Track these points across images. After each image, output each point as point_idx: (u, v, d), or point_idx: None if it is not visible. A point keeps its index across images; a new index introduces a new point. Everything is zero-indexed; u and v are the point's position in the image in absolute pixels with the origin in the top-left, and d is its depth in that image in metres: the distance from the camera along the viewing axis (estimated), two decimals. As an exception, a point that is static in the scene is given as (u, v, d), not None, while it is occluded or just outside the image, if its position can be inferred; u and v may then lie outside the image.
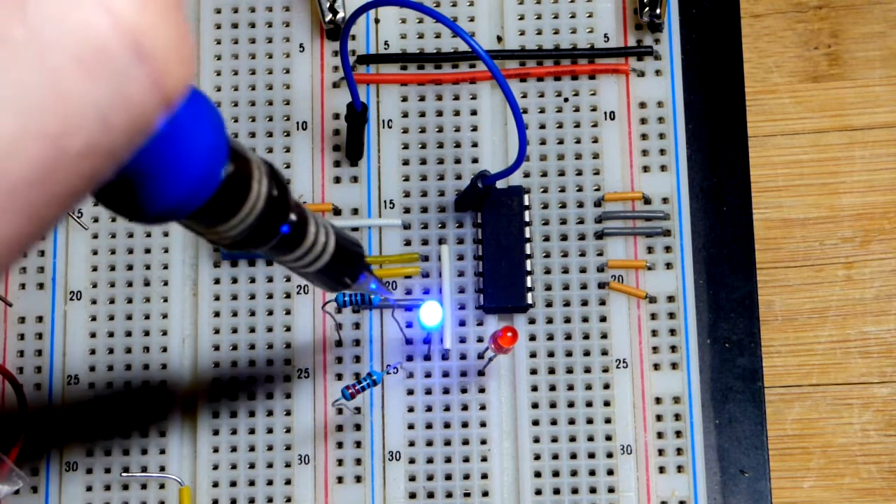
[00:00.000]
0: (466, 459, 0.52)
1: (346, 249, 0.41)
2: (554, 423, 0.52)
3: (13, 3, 0.21)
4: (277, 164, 0.55)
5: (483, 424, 0.52)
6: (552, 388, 0.53)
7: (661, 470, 0.52)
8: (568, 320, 0.53)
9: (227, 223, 0.34)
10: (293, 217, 0.37)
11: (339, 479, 0.52)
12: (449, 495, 0.52)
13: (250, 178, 0.34)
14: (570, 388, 0.53)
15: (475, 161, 0.55)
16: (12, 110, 0.21)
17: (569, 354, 0.53)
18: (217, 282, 0.54)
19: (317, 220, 0.39)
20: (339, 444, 0.52)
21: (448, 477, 0.52)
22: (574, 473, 0.52)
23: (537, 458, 0.52)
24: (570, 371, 0.53)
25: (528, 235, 0.53)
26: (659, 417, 0.52)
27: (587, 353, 0.53)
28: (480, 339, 0.53)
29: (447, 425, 0.52)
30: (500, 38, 0.56)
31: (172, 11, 0.24)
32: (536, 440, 0.52)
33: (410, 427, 0.52)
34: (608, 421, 0.52)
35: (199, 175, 0.31)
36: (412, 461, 0.52)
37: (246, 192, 0.34)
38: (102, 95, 0.23)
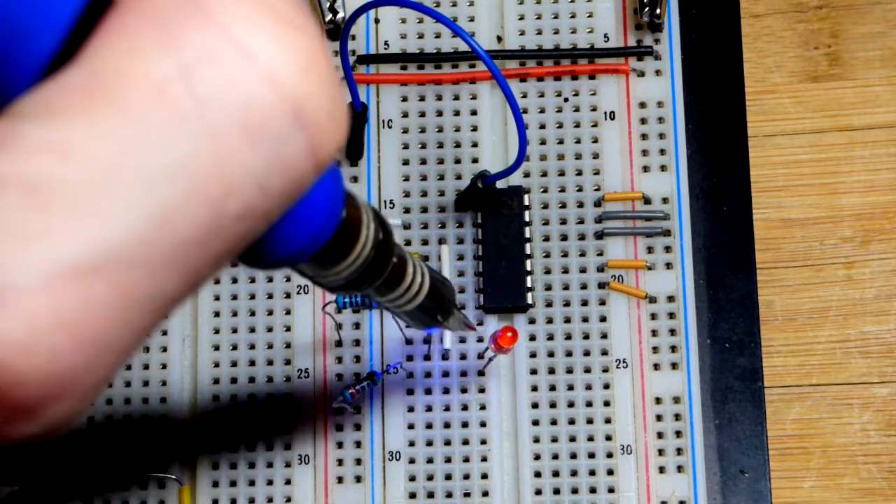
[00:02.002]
0: (466, 459, 0.52)
1: (438, 288, 0.42)
2: (554, 423, 0.52)
3: (181, 72, 0.22)
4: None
5: (483, 424, 0.52)
6: (552, 388, 0.53)
7: (661, 470, 0.52)
8: (568, 320, 0.53)
9: (337, 267, 0.35)
10: (395, 259, 0.38)
11: (339, 479, 0.52)
12: (449, 495, 0.52)
13: (360, 223, 0.35)
14: (570, 388, 0.53)
15: (475, 161, 0.55)
16: (177, 179, 0.22)
17: (569, 354, 0.53)
18: (217, 282, 0.54)
19: (413, 261, 0.41)
20: (339, 444, 0.52)
21: (448, 477, 0.52)
22: (574, 473, 0.52)
23: (537, 458, 0.52)
24: (570, 371, 0.53)
25: (528, 235, 0.53)
26: (659, 417, 0.52)
27: (587, 353, 0.53)
28: (480, 340, 0.53)
29: (447, 425, 0.52)
30: (500, 38, 0.56)
31: (330, 77, 0.24)
32: (536, 440, 0.52)
33: (410, 427, 0.52)
34: (608, 421, 0.52)
35: (320, 224, 0.31)
36: (412, 461, 0.52)
37: (356, 237, 0.35)
38: (261, 161, 0.23)
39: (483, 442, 0.52)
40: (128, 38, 0.22)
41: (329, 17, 0.55)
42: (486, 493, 0.52)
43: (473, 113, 0.55)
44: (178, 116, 0.22)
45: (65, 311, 0.21)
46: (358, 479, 0.52)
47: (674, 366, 0.53)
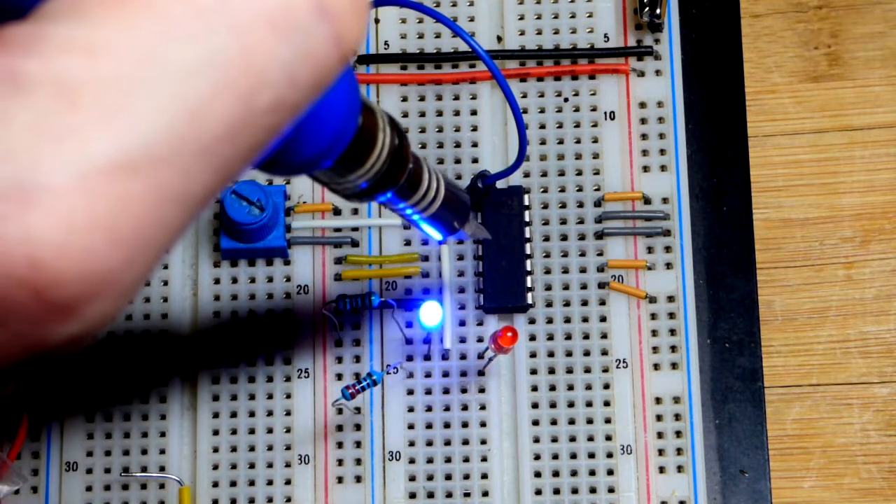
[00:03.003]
0: (466, 459, 0.52)
1: (454, 195, 0.43)
2: (554, 423, 0.52)
3: None
4: (277, 164, 0.55)
5: (483, 424, 0.52)
6: (552, 388, 0.53)
7: (661, 470, 0.52)
8: (568, 320, 0.53)
9: (356, 173, 0.35)
10: (411, 166, 0.38)
11: (339, 479, 0.52)
12: (449, 495, 0.52)
13: (376, 128, 0.35)
14: (570, 388, 0.53)
15: (475, 161, 0.55)
16: (206, 74, 0.23)
17: (569, 354, 0.53)
18: (217, 282, 0.54)
19: (429, 167, 0.41)
20: (339, 444, 0.52)
21: (448, 477, 0.52)
22: (574, 473, 0.52)
23: (537, 458, 0.52)
24: (570, 371, 0.53)
25: (528, 235, 0.53)
26: (659, 417, 0.52)
27: (587, 353, 0.53)
28: (480, 339, 0.53)
29: (447, 425, 0.52)
30: (500, 38, 0.56)
31: None
32: (536, 440, 0.52)
33: (410, 427, 0.52)
34: (608, 421, 0.52)
35: (339, 126, 0.32)
36: (412, 461, 0.52)
37: (373, 142, 0.35)
38: (288, 54, 0.24)
39: (483, 442, 0.52)
40: None
41: (329, 17, 0.55)
42: (486, 493, 0.52)
43: (473, 113, 0.55)
44: (204, 11, 0.23)
45: (100, 210, 0.22)
46: (358, 479, 0.52)
47: (674, 366, 0.53)
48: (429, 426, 0.52)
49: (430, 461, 0.52)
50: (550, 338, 0.53)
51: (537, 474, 0.52)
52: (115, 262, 0.22)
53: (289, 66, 0.24)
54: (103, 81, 0.22)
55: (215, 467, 0.52)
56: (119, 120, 0.22)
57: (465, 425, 0.52)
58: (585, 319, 0.53)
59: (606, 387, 0.52)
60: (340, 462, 0.52)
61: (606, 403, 0.52)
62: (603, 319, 0.53)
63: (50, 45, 0.22)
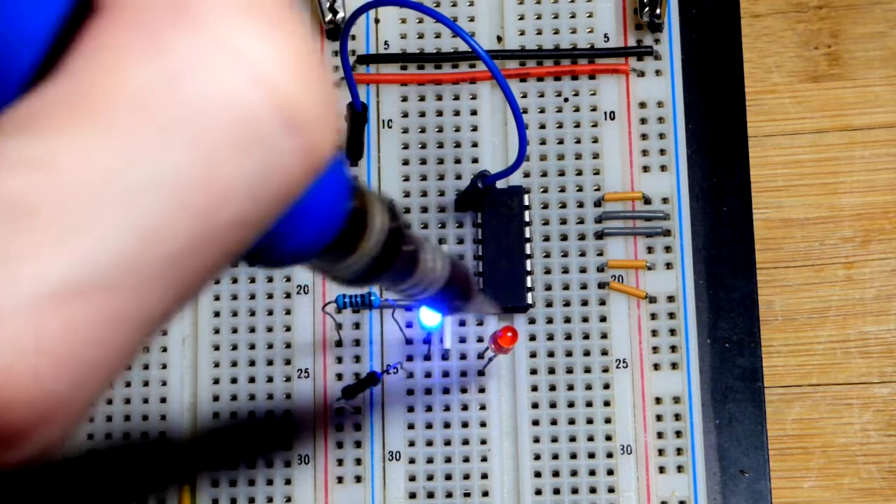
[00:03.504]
0: (466, 459, 0.52)
1: (458, 274, 0.42)
2: (554, 423, 0.52)
3: (166, 80, 0.22)
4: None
5: (483, 424, 0.52)
6: (552, 388, 0.53)
7: (661, 470, 0.52)
8: (568, 320, 0.53)
9: (347, 261, 0.34)
10: (410, 247, 0.37)
11: (339, 479, 0.52)
12: (449, 495, 0.52)
13: (367, 215, 0.34)
14: (570, 388, 0.53)
15: (475, 161, 0.55)
16: (164, 192, 0.22)
17: (569, 354, 0.53)
18: (217, 282, 0.54)
19: (430, 248, 0.40)
20: (339, 444, 0.52)
21: (448, 477, 0.52)
22: (574, 473, 0.52)
23: (537, 458, 0.52)
24: (570, 371, 0.53)
25: (528, 235, 0.53)
26: (659, 417, 0.52)
27: (587, 353, 0.53)
28: (480, 339, 0.53)
29: (447, 425, 0.52)
30: (500, 38, 0.56)
31: (321, 78, 0.23)
32: (536, 440, 0.52)
33: (410, 427, 0.52)
34: (608, 421, 0.52)
35: (324, 222, 0.31)
36: (412, 461, 0.52)
37: (364, 229, 0.34)
38: (252, 169, 0.23)
39: (483, 442, 0.52)
40: (110, 47, 0.22)
41: (329, 17, 0.55)
42: (486, 493, 0.52)
43: (473, 113, 0.55)
44: (165, 126, 0.22)
45: (50, 336, 0.21)
46: (358, 479, 0.52)
47: (674, 366, 0.53)
48: (429, 426, 0.52)
49: (430, 461, 0.52)
50: (550, 338, 0.53)
51: (537, 474, 0.52)
52: (64, 388, 0.21)
53: (252, 182, 0.23)
54: (57, 201, 0.21)
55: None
56: (72, 242, 0.21)
57: (465, 425, 0.52)
58: (585, 319, 0.53)
59: (606, 387, 0.52)
60: (340, 462, 0.52)
61: (606, 403, 0.52)
62: (603, 319, 0.53)
63: (3, 162, 0.21)
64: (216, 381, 0.53)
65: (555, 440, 0.52)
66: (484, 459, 0.52)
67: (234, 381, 0.53)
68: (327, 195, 0.31)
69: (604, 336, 0.53)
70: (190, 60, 0.22)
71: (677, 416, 0.52)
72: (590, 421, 0.52)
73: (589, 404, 0.52)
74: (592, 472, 0.52)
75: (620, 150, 0.55)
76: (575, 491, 0.52)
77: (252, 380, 0.53)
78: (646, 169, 0.55)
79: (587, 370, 0.53)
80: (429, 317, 0.50)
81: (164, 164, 0.22)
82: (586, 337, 0.53)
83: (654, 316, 0.53)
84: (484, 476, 0.52)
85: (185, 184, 0.22)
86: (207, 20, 0.22)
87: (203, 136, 0.22)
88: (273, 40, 0.22)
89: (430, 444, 0.52)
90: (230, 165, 0.22)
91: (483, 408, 0.53)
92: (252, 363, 0.53)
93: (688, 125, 0.55)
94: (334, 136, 0.24)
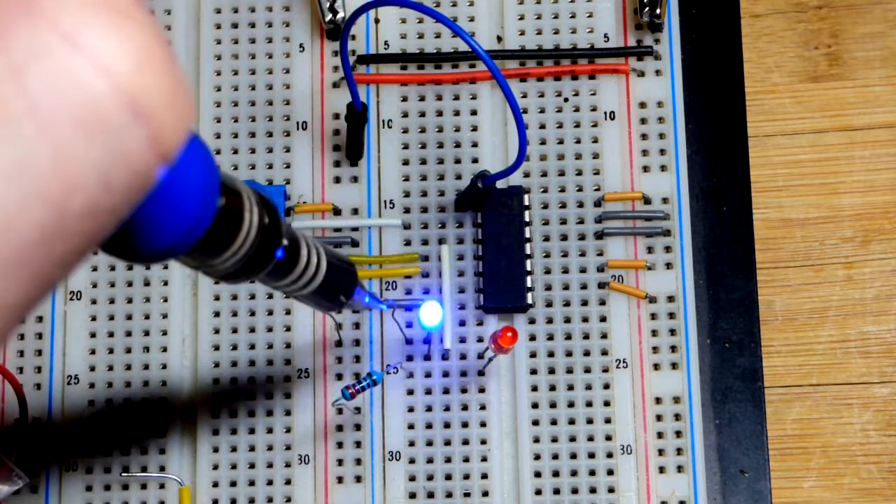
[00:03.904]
0: (466, 459, 0.52)
1: (338, 268, 0.42)
2: (554, 423, 0.52)
3: (10, 71, 0.22)
4: (277, 163, 0.55)
5: (483, 424, 0.52)
6: (552, 388, 0.53)
7: (661, 470, 0.52)
8: (568, 320, 0.53)
9: (222, 256, 0.35)
10: (285, 242, 0.37)
11: (339, 479, 0.52)
12: (449, 495, 0.52)
13: (241, 210, 0.34)
14: (570, 388, 0.53)
15: (475, 161, 0.55)
16: (15, 179, 0.22)
17: (569, 354, 0.53)
18: (217, 282, 0.54)
19: (308, 241, 0.40)
20: (339, 444, 0.52)
21: (448, 477, 0.52)
22: (574, 473, 0.52)
23: (537, 458, 0.52)
24: (570, 371, 0.53)
25: (528, 235, 0.53)
26: (659, 417, 0.52)
27: (587, 353, 0.53)
28: (480, 339, 0.53)
29: (447, 425, 0.52)
30: (500, 38, 0.56)
31: (169, 67, 0.24)
32: (536, 440, 0.52)
33: (410, 427, 0.52)
34: (608, 421, 0.52)
35: (193, 215, 0.31)
36: (412, 461, 0.52)
37: (238, 225, 0.34)
38: (101, 157, 0.23)
39: (483, 442, 0.52)
40: None
41: (329, 17, 0.55)
42: (486, 493, 0.52)
43: (473, 113, 0.55)
44: (11, 117, 0.22)
45: None
46: (358, 479, 0.52)
47: (674, 366, 0.53)
48: (429, 426, 0.52)
49: (430, 461, 0.52)
50: (550, 338, 0.53)
51: (537, 474, 0.52)
52: None
53: (102, 170, 0.23)
54: None
55: (215, 467, 0.52)
56: None
57: (465, 425, 0.52)
58: (585, 319, 0.53)
59: (606, 387, 0.52)
60: (340, 462, 0.52)
61: (606, 403, 0.52)
62: (603, 319, 0.53)
63: None
64: (216, 381, 0.53)
65: (555, 440, 0.52)
66: (484, 459, 0.52)
67: (233, 380, 0.53)
68: (190, 188, 0.31)
69: (604, 336, 0.53)
70: (34, 52, 0.22)
71: (677, 416, 0.52)
72: (590, 421, 0.52)
73: (589, 404, 0.52)
74: (592, 472, 0.52)
75: (620, 150, 0.55)
76: (575, 491, 0.52)
77: (252, 380, 0.53)
78: (646, 169, 0.55)
79: (587, 370, 0.53)
80: (429, 317, 0.50)
81: (11, 153, 0.22)
82: (586, 337, 0.53)
83: (654, 316, 0.53)
84: (484, 476, 0.52)
85: (34, 174, 0.22)
86: (51, 13, 0.22)
87: (50, 126, 0.22)
88: (118, 32, 0.23)
89: (430, 444, 0.52)
90: (78, 154, 0.22)
91: (483, 408, 0.53)
92: (252, 363, 0.53)
93: (688, 125, 0.55)
94: (184, 125, 0.24)
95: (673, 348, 0.53)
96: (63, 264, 0.23)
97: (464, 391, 0.53)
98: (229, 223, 0.34)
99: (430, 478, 0.52)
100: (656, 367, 0.53)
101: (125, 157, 0.23)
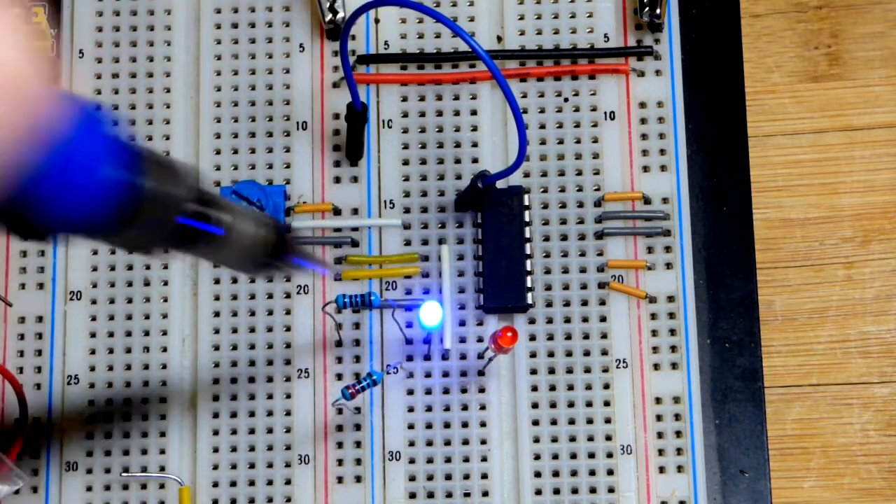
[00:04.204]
0: (466, 459, 0.52)
1: (265, 233, 0.42)
2: (554, 423, 0.52)
3: None
4: (277, 163, 0.55)
5: (483, 424, 0.52)
6: (552, 388, 0.53)
7: (661, 470, 0.52)
8: (568, 320, 0.53)
9: (130, 230, 0.35)
10: (196, 209, 0.38)
11: (339, 479, 0.52)
12: (449, 495, 0.52)
13: (145, 183, 0.35)
14: (570, 388, 0.53)
15: (475, 161, 0.55)
16: None
17: (569, 354, 0.53)
18: (217, 282, 0.54)
19: (232, 208, 0.40)
20: (339, 444, 0.52)
21: (448, 477, 0.52)
22: (574, 473, 0.52)
23: (537, 458, 0.52)
24: (570, 371, 0.53)
25: (528, 235, 0.53)
26: (659, 417, 0.52)
27: (587, 353, 0.53)
28: (480, 339, 0.53)
29: (447, 425, 0.52)
30: (500, 38, 0.56)
31: (21, 41, 0.26)
32: (536, 440, 0.52)
33: (410, 427, 0.52)
34: (608, 421, 0.52)
35: (93, 191, 0.32)
36: (412, 461, 0.52)
37: (139, 198, 0.35)
38: None
39: (483, 442, 0.52)
40: None
41: (329, 17, 0.55)
42: (486, 493, 0.52)
43: (473, 113, 0.55)
44: None
45: None
46: (358, 479, 0.52)
47: (674, 366, 0.53)
48: (429, 426, 0.52)
49: (430, 461, 0.52)
50: (550, 338, 0.53)
51: (537, 474, 0.52)
52: None
53: None
54: None
55: (215, 467, 0.52)
56: None
57: (465, 425, 0.52)
58: (585, 319, 0.53)
59: (606, 387, 0.52)
60: (340, 462, 0.52)
61: (606, 403, 0.52)
62: (603, 319, 0.53)
63: None
64: (216, 381, 0.53)
65: (555, 440, 0.52)
66: (484, 459, 0.52)
67: (234, 381, 0.53)
68: (92, 164, 0.31)
69: (604, 336, 0.53)
70: None
71: (677, 416, 0.52)
72: (590, 421, 0.52)
73: (589, 404, 0.52)
74: (592, 472, 0.52)
75: (620, 150, 0.55)
76: (575, 491, 0.52)
77: (252, 380, 0.53)
78: (646, 169, 0.55)
79: (587, 370, 0.53)
80: (429, 317, 0.50)
81: None
82: (586, 337, 0.53)
83: (654, 316, 0.53)
84: (484, 476, 0.52)
85: None
86: None
87: None
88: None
89: (430, 444, 0.52)
90: None
91: (483, 408, 0.53)
92: (252, 363, 0.53)
93: (688, 125, 0.55)
94: (42, 98, 0.25)
95: (673, 348, 0.53)
96: None
97: (464, 391, 0.53)
98: (142, 199, 0.34)
99: (430, 478, 0.52)
100: (656, 367, 0.53)
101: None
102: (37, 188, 0.30)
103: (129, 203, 0.34)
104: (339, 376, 0.53)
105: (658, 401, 0.52)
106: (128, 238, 0.35)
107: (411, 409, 0.53)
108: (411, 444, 0.52)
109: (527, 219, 0.54)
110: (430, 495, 0.52)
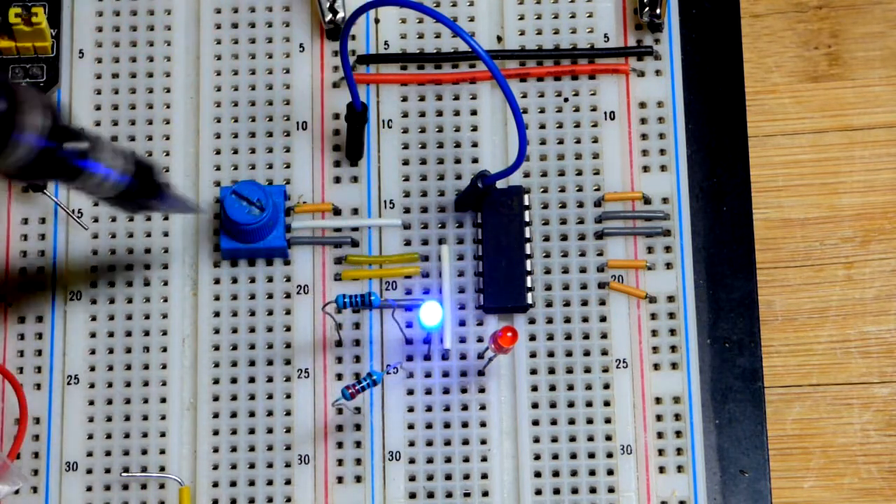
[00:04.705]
0: (466, 459, 0.52)
1: (143, 173, 0.44)
2: (554, 423, 0.52)
3: None
4: (277, 163, 0.55)
5: (483, 424, 0.52)
6: (552, 388, 0.53)
7: (661, 470, 0.52)
8: (568, 320, 0.53)
9: (3, 153, 0.37)
10: (74, 146, 0.40)
11: (339, 479, 0.52)
12: (449, 495, 0.52)
13: (16, 111, 0.37)
14: (570, 388, 0.53)
15: (475, 161, 0.55)
16: None
17: (569, 354, 0.53)
18: (217, 282, 0.54)
19: (112, 147, 0.42)
20: (339, 444, 0.52)
21: (448, 477, 0.52)
22: (574, 473, 0.52)
23: (537, 458, 0.52)
24: (570, 371, 0.53)
25: (528, 235, 0.53)
26: (659, 417, 0.52)
27: (587, 353, 0.53)
28: (480, 339, 0.53)
29: (447, 425, 0.52)
30: (500, 38, 0.56)
31: None
32: (536, 440, 0.52)
33: (410, 427, 0.52)
34: (608, 421, 0.52)
35: None
36: (412, 461, 0.52)
37: (12, 125, 0.37)
38: None
39: (483, 442, 0.52)
40: None
41: (329, 17, 0.55)
42: (486, 493, 0.52)
43: (473, 113, 0.55)
44: None
45: None
46: (358, 479, 0.52)
47: (674, 366, 0.53)
48: (429, 426, 0.52)
49: (430, 461, 0.52)
50: (550, 338, 0.53)
51: (537, 474, 0.52)
52: None
53: None
54: None
55: (215, 467, 0.52)
56: None
57: (465, 425, 0.52)
58: (585, 319, 0.53)
59: (606, 387, 0.52)
60: (340, 462, 0.52)
61: (606, 403, 0.52)
62: (603, 319, 0.53)
63: None
64: (216, 381, 0.53)
65: (555, 440, 0.52)
66: (484, 459, 0.52)
67: (234, 381, 0.53)
68: None
69: (604, 336, 0.53)
70: None
71: (677, 416, 0.52)
72: (590, 421, 0.52)
73: (589, 404, 0.52)
74: (592, 472, 0.52)
75: (620, 150, 0.55)
76: (575, 491, 0.52)
77: (252, 380, 0.53)
78: (646, 169, 0.55)
79: (587, 370, 0.53)
80: (429, 317, 0.50)
81: None
82: (586, 337, 0.53)
83: (654, 316, 0.53)
84: (484, 476, 0.52)
85: None
86: None
87: None
88: None
89: (430, 444, 0.52)
90: None
91: (483, 408, 0.53)
92: (252, 363, 0.53)
93: (688, 125, 0.55)
94: None
95: (673, 348, 0.53)
96: None
97: (464, 391, 0.53)
98: (4, 124, 0.36)
99: (430, 478, 0.52)
100: (656, 367, 0.53)
101: None
102: None
103: (6, 128, 0.37)
104: (339, 376, 0.53)
105: (658, 401, 0.52)
106: (11, 162, 0.38)
107: (411, 409, 0.53)
108: (411, 444, 0.52)
109: (527, 219, 0.54)
110: (430, 495, 0.52)
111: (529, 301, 0.53)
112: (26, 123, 0.37)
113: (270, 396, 0.53)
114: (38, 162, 0.39)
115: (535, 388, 0.53)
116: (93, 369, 0.53)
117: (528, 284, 0.53)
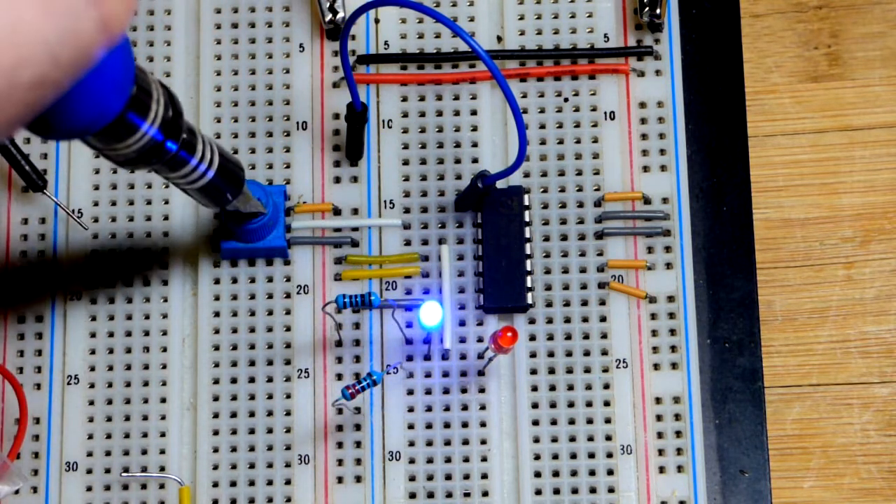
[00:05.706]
0: (466, 459, 0.52)
1: (227, 168, 0.45)
2: (554, 423, 0.52)
3: None
4: (277, 163, 0.55)
5: (483, 424, 0.52)
6: (552, 388, 0.53)
7: (661, 470, 0.52)
8: (568, 320, 0.53)
9: (127, 140, 0.38)
10: (184, 137, 0.41)
11: (339, 479, 0.52)
12: (449, 495, 0.52)
13: (150, 99, 0.38)
14: (570, 388, 0.53)
15: (475, 161, 0.55)
16: None
17: (569, 354, 0.53)
18: (217, 282, 0.54)
19: (205, 139, 0.43)
20: (339, 444, 0.52)
21: (448, 477, 0.52)
22: (574, 473, 0.52)
23: (537, 458, 0.52)
24: (570, 371, 0.53)
25: (528, 235, 0.53)
26: (659, 417, 0.52)
27: (587, 353, 0.53)
28: (480, 339, 0.53)
29: (447, 425, 0.52)
30: (500, 38, 0.56)
31: None
32: (536, 440, 0.52)
33: (410, 427, 0.52)
34: (608, 421, 0.52)
35: (109, 97, 0.35)
36: (412, 461, 0.52)
37: (145, 112, 0.38)
38: (54, 33, 0.25)
39: (483, 442, 0.52)
40: None
41: (329, 17, 0.55)
42: (486, 493, 0.52)
43: (473, 113, 0.55)
44: None
45: None
46: (358, 479, 0.52)
47: (674, 366, 0.53)
48: (429, 426, 0.52)
49: (430, 461, 0.52)
50: (550, 338, 0.53)
51: (537, 474, 0.52)
52: None
53: (53, 46, 0.25)
54: None
55: (215, 467, 0.52)
56: None
57: (465, 425, 0.52)
58: (585, 319, 0.53)
59: (606, 387, 0.53)
60: (340, 462, 0.52)
61: (606, 403, 0.52)
62: (603, 319, 0.53)
63: None
64: (216, 381, 0.53)
65: (555, 440, 0.52)
66: (484, 459, 0.52)
67: (234, 381, 0.53)
68: (115, 72, 0.34)
69: (604, 336, 0.53)
70: None
71: (677, 416, 0.52)
72: (590, 421, 0.52)
73: (589, 404, 0.52)
74: (592, 472, 0.52)
75: (620, 150, 0.55)
76: (575, 491, 0.52)
77: (252, 380, 0.53)
78: (646, 169, 0.55)
79: (587, 370, 0.53)
80: (429, 317, 0.50)
81: None
82: (586, 337, 0.53)
83: (654, 316, 0.53)
84: (484, 476, 0.52)
85: None
86: None
87: (10, 1, 0.24)
88: None
89: (430, 444, 0.52)
90: (35, 27, 0.25)
91: (483, 408, 0.53)
92: (252, 363, 0.53)
93: (688, 125, 0.55)
94: (129, 13, 0.27)
95: (673, 348, 0.53)
96: (6, 130, 0.26)
97: (464, 391, 0.53)
98: (137, 110, 0.37)
99: (430, 478, 0.52)
100: (656, 367, 0.53)
101: (77, 35, 0.26)
102: (71, 96, 0.33)
103: (136, 119, 0.38)
104: (339, 376, 0.53)
105: (658, 401, 0.52)
106: (123, 151, 0.39)
107: (411, 409, 0.53)
108: (411, 444, 0.52)
109: (527, 219, 0.54)
110: (430, 495, 0.52)
111: (529, 301, 0.53)
112: (154, 115, 0.39)
113: (270, 396, 0.53)
114: (149, 152, 0.40)
115: (535, 388, 0.53)
116: (93, 369, 0.53)
117: (528, 284, 0.53)
